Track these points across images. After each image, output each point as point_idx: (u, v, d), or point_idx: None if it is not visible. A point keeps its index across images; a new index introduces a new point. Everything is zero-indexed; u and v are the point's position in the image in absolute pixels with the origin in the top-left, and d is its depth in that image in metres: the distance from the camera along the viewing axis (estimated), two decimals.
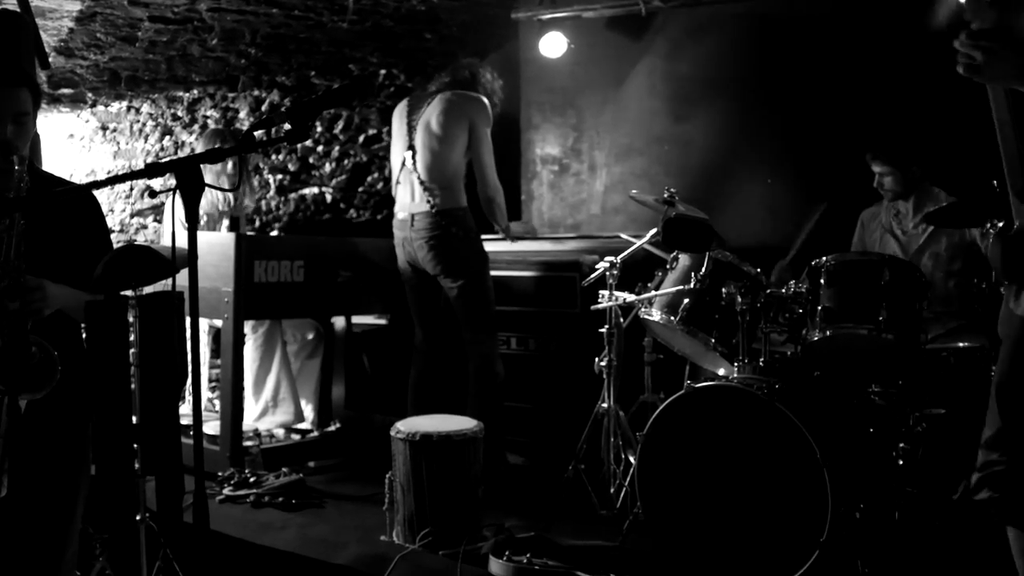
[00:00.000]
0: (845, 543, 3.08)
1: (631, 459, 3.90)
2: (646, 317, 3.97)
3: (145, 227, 6.50)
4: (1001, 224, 3.46)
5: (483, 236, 4.67)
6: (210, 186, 2.01)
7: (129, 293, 2.62)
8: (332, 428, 5.30)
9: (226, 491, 4.30)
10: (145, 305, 2.54)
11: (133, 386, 2.64)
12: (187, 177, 1.91)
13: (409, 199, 4.59)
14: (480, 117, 4.55)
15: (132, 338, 2.63)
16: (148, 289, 2.66)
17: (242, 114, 6.50)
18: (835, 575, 3.05)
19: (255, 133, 2.16)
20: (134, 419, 2.64)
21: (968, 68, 2.13)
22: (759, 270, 3.77)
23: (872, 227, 4.62)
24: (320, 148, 6.83)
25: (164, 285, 2.47)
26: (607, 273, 4.08)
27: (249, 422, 5.01)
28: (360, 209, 6.96)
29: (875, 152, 4.47)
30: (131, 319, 2.60)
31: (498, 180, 4.64)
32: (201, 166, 1.95)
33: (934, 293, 4.20)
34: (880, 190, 4.50)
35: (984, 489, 2.46)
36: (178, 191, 1.92)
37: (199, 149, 5.54)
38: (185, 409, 4.85)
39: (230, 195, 5.15)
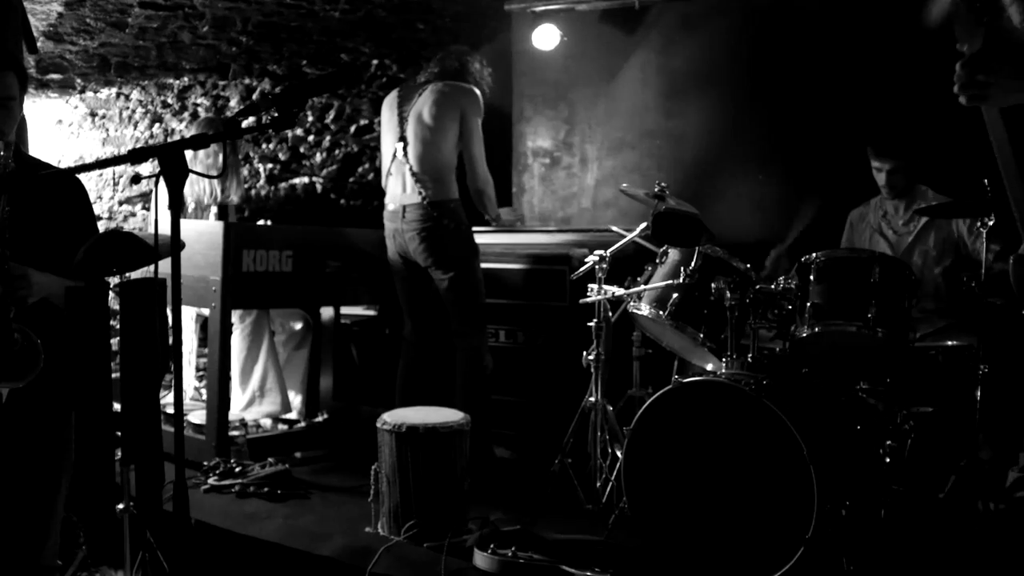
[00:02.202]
0: (831, 540, 3.08)
1: (618, 453, 3.89)
2: (635, 311, 3.96)
3: (133, 215, 6.47)
4: (992, 223, 3.48)
5: (474, 228, 4.65)
6: (194, 172, 1.99)
7: (112, 280, 2.60)
8: (319, 419, 5.29)
9: (211, 481, 4.28)
10: (126, 292, 2.52)
11: (115, 374, 2.62)
12: (171, 163, 1.89)
13: (400, 190, 4.57)
14: (472, 108, 4.54)
15: (115, 325, 2.61)
16: (132, 276, 2.64)
17: (232, 102, 6.46)
18: (820, 572, 3.04)
19: (242, 120, 2.14)
20: (116, 407, 2.62)
21: (973, 98, 2.02)
22: (749, 266, 3.77)
23: (861, 227, 4.61)
24: (311, 138, 6.80)
25: (148, 272, 2.46)
26: (596, 267, 4.07)
27: (236, 412, 4.99)
28: (350, 199, 6.94)
29: (880, 148, 4.42)
30: (114, 306, 2.59)
31: (488, 172, 4.62)
32: (189, 154, 1.93)
33: (924, 290, 4.20)
34: (885, 188, 4.46)
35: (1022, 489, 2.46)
36: (162, 177, 1.91)
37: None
38: (169, 397, 4.84)
39: (216, 185, 5.13)
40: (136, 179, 2.37)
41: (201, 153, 5.06)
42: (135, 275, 2.85)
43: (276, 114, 2.01)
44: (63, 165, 5.96)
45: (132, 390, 2.51)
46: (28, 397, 2.49)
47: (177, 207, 1.90)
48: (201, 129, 5.20)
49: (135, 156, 1.97)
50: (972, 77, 2.01)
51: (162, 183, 1.93)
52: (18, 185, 2.51)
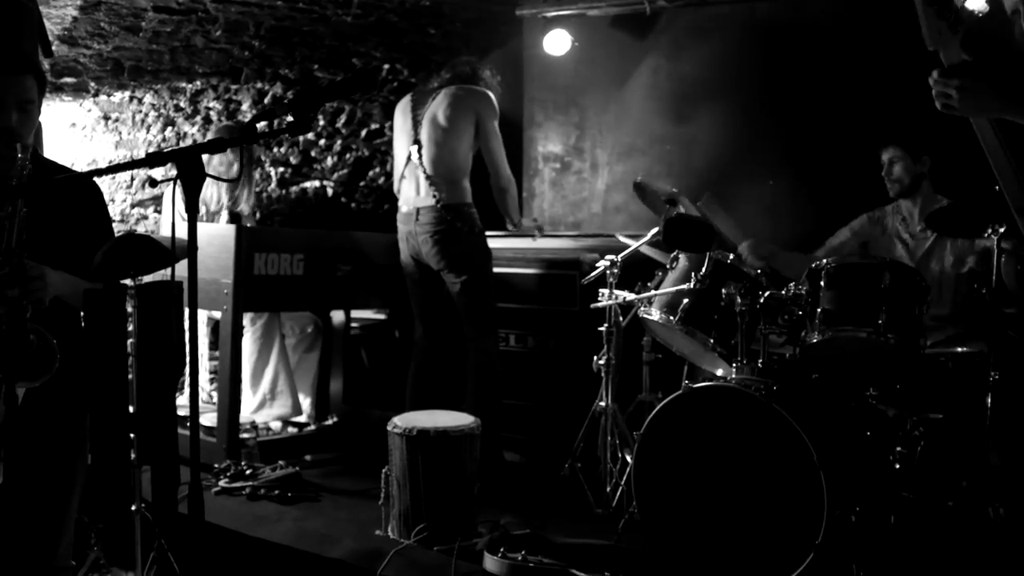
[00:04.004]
0: (840, 546, 3.08)
1: (627, 458, 3.89)
2: (645, 316, 3.97)
3: (146, 217, 6.51)
4: (1003, 229, 3.47)
5: (486, 232, 4.66)
6: (211, 176, 2.01)
7: (128, 282, 2.62)
8: (329, 422, 5.31)
9: (222, 483, 4.30)
10: (143, 295, 2.54)
11: (130, 376, 2.63)
12: (188, 167, 1.91)
13: (414, 193, 4.59)
14: (486, 110, 4.56)
15: (130, 327, 2.63)
16: (147, 279, 2.65)
17: (245, 106, 6.49)
18: None
19: (257, 125, 2.16)
20: (131, 409, 2.64)
21: (945, 106, 2.17)
22: (759, 271, 3.77)
23: (877, 231, 4.60)
24: (322, 142, 6.83)
25: (163, 275, 2.47)
26: (607, 272, 4.08)
27: (246, 414, 5.01)
28: (361, 203, 6.96)
29: (886, 137, 4.42)
30: (130, 308, 2.60)
31: (510, 172, 4.64)
32: (204, 159, 1.95)
33: (942, 296, 4.19)
34: (887, 180, 4.44)
35: None
36: (179, 181, 1.92)
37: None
38: (182, 400, 4.86)
39: (225, 192, 5.15)
40: (153, 183, 2.36)
41: (216, 160, 5.10)
42: (147, 278, 2.87)
43: (291, 119, 2.03)
44: (77, 168, 6.00)
45: (148, 392, 2.53)
46: (43, 398, 2.51)
47: (194, 211, 1.92)
48: (219, 135, 5.23)
49: (152, 160, 1.98)
50: (943, 88, 2.14)
51: (178, 187, 1.95)
52: (36, 188, 2.53)
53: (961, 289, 4.29)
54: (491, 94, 4.61)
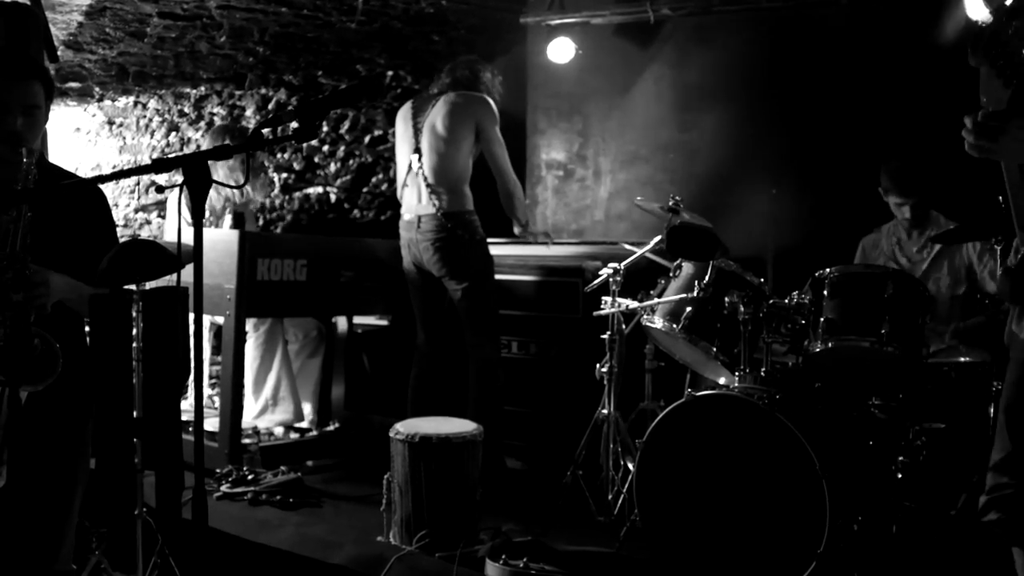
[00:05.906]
0: (842, 555, 3.08)
1: (630, 466, 3.89)
2: (648, 324, 3.97)
3: (149, 223, 6.51)
4: (1003, 243, 3.46)
5: (488, 239, 4.67)
6: (217, 183, 2.01)
7: (133, 287, 2.62)
8: (331, 428, 5.31)
9: (224, 488, 4.29)
10: (149, 300, 2.55)
11: (135, 380, 2.64)
12: (195, 173, 1.91)
13: (415, 201, 4.59)
14: (487, 117, 4.56)
15: (135, 332, 2.64)
16: (152, 284, 2.66)
17: (248, 112, 6.50)
18: None
19: (262, 131, 2.16)
20: (135, 413, 2.64)
21: (980, 150, 2.20)
22: (763, 280, 3.77)
23: (874, 255, 4.60)
24: (325, 148, 6.83)
25: (168, 281, 2.48)
26: (610, 279, 4.08)
27: (248, 420, 5.01)
28: (364, 209, 6.97)
29: (904, 187, 4.37)
30: (135, 313, 2.61)
31: (515, 175, 4.64)
32: (213, 166, 1.95)
33: (937, 316, 4.19)
34: (908, 221, 4.44)
35: (992, 511, 2.49)
36: (185, 187, 1.92)
37: (205, 146, 5.54)
38: (186, 405, 4.86)
39: (236, 191, 5.15)
40: (159, 189, 2.39)
41: (221, 169, 5.10)
42: (150, 284, 2.87)
43: (297, 126, 2.03)
44: (80, 173, 6.01)
45: (153, 397, 2.54)
46: (46, 402, 2.51)
47: (200, 217, 1.92)
48: (217, 136, 5.22)
49: (159, 166, 1.99)
50: (986, 129, 2.16)
51: (184, 193, 1.95)
52: (41, 193, 2.53)
53: (955, 312, 4.29)
54: (490, 100, 4.61)
